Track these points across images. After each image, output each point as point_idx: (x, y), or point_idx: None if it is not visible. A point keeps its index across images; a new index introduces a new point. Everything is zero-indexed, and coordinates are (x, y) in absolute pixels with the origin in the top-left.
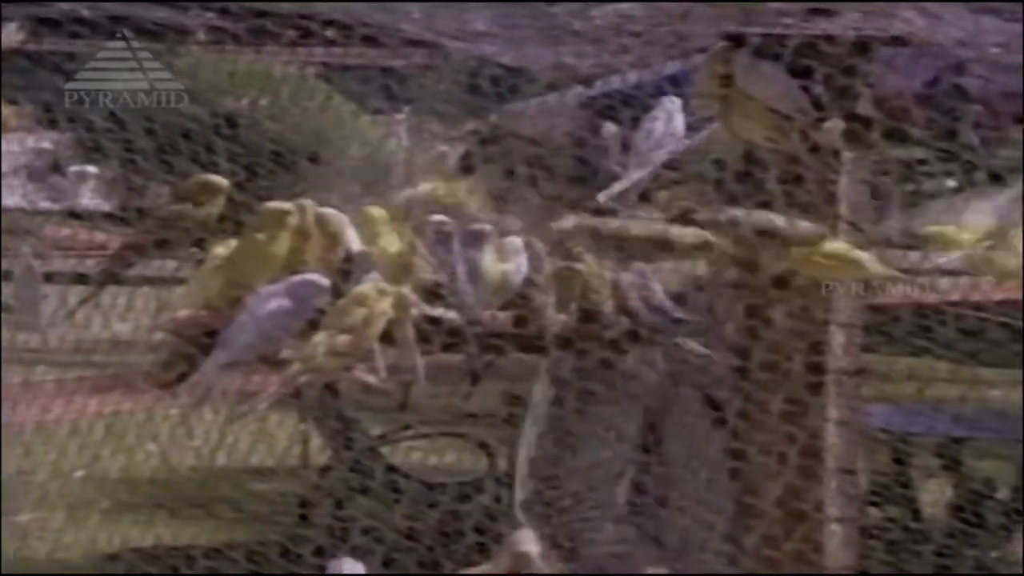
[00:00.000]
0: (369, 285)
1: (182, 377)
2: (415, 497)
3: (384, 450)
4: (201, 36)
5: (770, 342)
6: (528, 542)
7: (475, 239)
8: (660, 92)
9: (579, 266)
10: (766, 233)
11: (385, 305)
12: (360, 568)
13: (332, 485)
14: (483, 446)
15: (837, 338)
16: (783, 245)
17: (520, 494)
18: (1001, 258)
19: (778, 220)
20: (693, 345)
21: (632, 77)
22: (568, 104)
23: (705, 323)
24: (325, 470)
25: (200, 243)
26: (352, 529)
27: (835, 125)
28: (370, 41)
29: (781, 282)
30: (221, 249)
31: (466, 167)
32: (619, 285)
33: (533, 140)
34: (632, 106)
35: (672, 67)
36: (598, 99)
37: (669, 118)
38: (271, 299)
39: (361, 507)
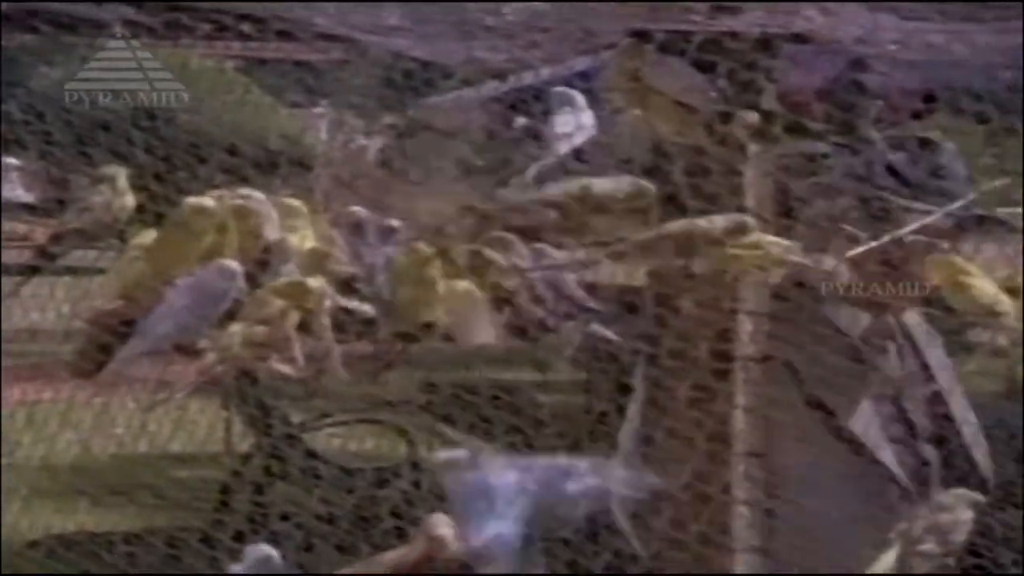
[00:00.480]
0: (286, 277)
1: (100, 366)
2: (333, 482)
3: (305, 437)
4: (117, 30)
5: (679, 330)
6: (443, 525)
7: (390, 233)
8: (570, 87)
9: (489, 255)
10: (690, 238)
11: (302, 296)
12: (275, 554)
13: (252, 472)
14: (402, 432)
15: (745, 326)
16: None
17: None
18: None
19: (700, 222)
20: (604, 332)
21: (544, 72)
22: (483, 98)
23: (615, 312)
24: (246, 457)
25: (121, 235)
26: (271, 515)
27: (751, 117)
28: (285, 36)
29: (689, 272)
30: (141, 240)
31: (384, 161)
32: (528, 274)
33: (449, 133)
34: (543, 100)
35: (582, 63)
36: (511, 93)
37: (578, 112)
38: (188, 290)
39: (281, 493)
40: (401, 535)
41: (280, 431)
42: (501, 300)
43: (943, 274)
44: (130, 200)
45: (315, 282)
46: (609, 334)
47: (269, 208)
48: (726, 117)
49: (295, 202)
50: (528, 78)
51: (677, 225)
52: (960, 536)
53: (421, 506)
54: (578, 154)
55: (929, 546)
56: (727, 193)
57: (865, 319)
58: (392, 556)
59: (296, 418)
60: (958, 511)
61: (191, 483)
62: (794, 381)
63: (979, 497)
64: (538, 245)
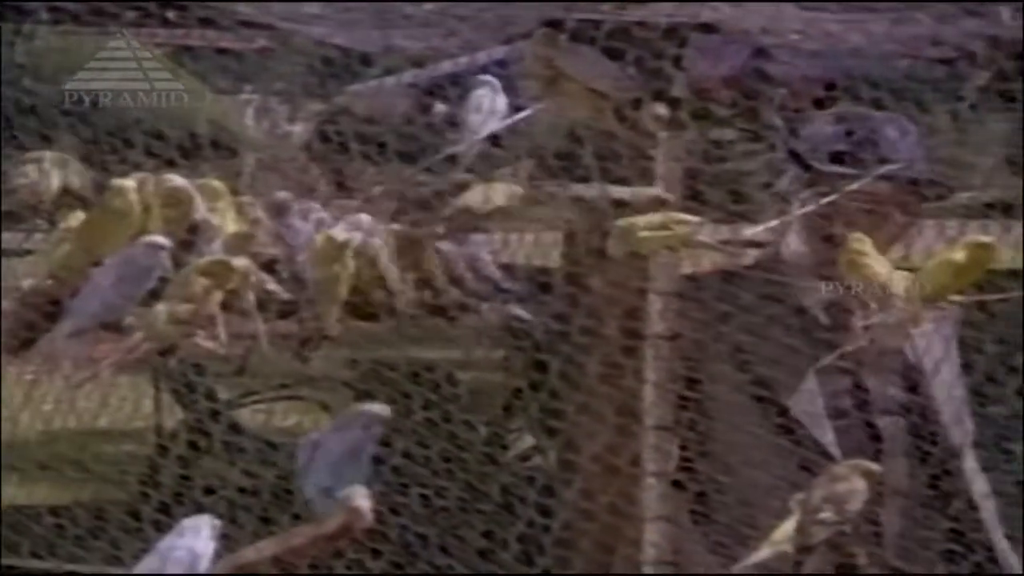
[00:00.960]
0: (211, 257)
1: (28, 344)
2: (257, 456)
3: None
4: (43, 16)
5: (590, 309)
6: (361, 497)
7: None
8: (487, 74)
9: (412, 236)
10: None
11: (225, 275)
12: (207, 526)
13: (178, 446)
14: (324, 408)
15: (655, 305)
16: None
17: None
18: None
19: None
20: (520, 312)
21: (463, 60)
22: (404, 86)
23: (530, 291)
24: (173, 433)
25: (50, 217)
26: (196, 488)
27: (659, 109)
28: (208, 23)
29: (600, 251)
30: (69, 222)
31: (310, 146)
32: (448, 256)
33: (370, 119)
34: (462, 88)
35: (499, 51)
36: (430, 81)
37: (493, 97)
38: (114, 268)
39: (206, 467)
40: None
41: (206, 407)
42: (423, 281)
43: (850, 256)
44: (56, 182)
45: (240, 262)
46: (525, 314)
47: (193, 190)
48: (637, 104)
49: (217, 183)
50: (447, 66)
51: (591, 192)
52: (856, 504)
53: None
54: (494, 140)
55: (827, 514)
56: (637, 177)
57: (824, 292)
58: (311, 528)
59: (223, 395)
60: (853, 480)
61: (117, 457)
62: (732, 360)
63: (874, 467)
64: None
